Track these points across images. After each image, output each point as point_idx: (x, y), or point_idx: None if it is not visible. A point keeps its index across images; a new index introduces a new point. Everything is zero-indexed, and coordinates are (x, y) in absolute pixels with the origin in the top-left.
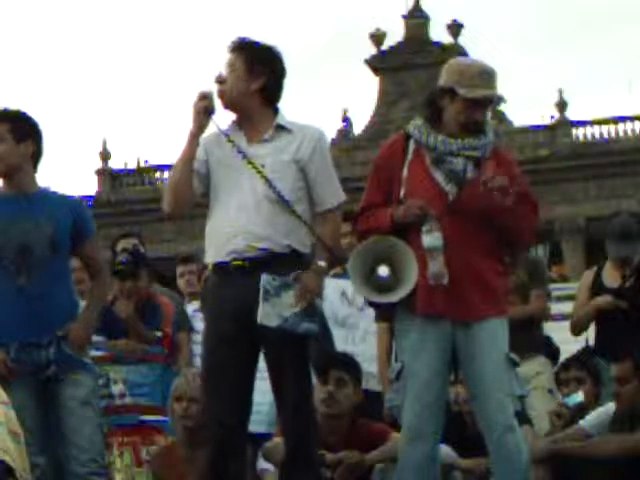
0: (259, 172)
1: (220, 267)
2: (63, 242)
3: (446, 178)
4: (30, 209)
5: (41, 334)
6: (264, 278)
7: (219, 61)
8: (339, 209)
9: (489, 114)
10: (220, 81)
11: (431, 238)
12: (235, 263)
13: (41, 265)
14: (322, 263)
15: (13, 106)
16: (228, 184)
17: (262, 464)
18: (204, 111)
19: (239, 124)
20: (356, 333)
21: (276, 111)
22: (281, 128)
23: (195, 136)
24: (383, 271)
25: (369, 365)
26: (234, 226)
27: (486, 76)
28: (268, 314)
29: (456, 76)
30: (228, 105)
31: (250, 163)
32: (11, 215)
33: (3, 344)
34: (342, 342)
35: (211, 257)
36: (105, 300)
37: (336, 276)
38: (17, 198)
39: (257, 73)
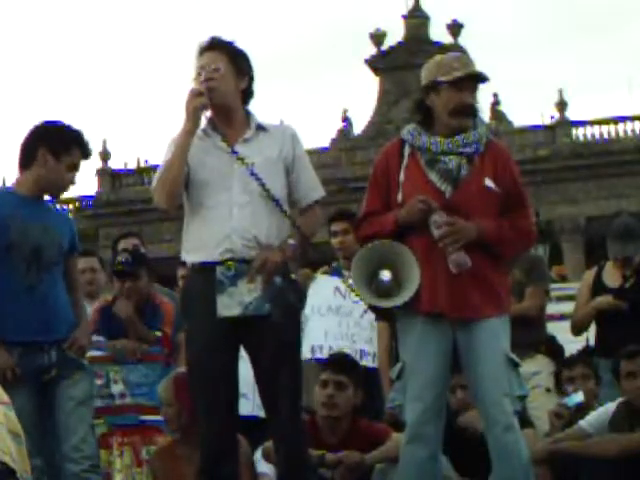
0: (251, 172)
1: (209, 266)
2: (64, 250)
3: (441, 178)
4: (43, 213)
5: (46, 336)
6: (218, 270)
7: (190, 61)
8: (319, 203)
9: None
10: (211, 78)
11: (441, 232)
12: (229, 264)
13: (49, 268)
14: (291, 241)
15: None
16: (216, 184)
17: (261, 466)
18: (201, 108)
19: (214, 125)
20: (350, 319)
21: (247, 112)
22: (260, 128)
23: (191, 133)
24: (385, 275)
25: (363, 344)
26: (228, 225)
27: (462, 60)
28: (227, 305)
29: (434, 69)
30: (218, 102)
31: (242, 162)
32: (29, 216)
33: (8, 343)
34: (336, 326)
35: (198, 257)
36: None
37: (327, 274)
38: (32, 200)
39: (243, 71)
